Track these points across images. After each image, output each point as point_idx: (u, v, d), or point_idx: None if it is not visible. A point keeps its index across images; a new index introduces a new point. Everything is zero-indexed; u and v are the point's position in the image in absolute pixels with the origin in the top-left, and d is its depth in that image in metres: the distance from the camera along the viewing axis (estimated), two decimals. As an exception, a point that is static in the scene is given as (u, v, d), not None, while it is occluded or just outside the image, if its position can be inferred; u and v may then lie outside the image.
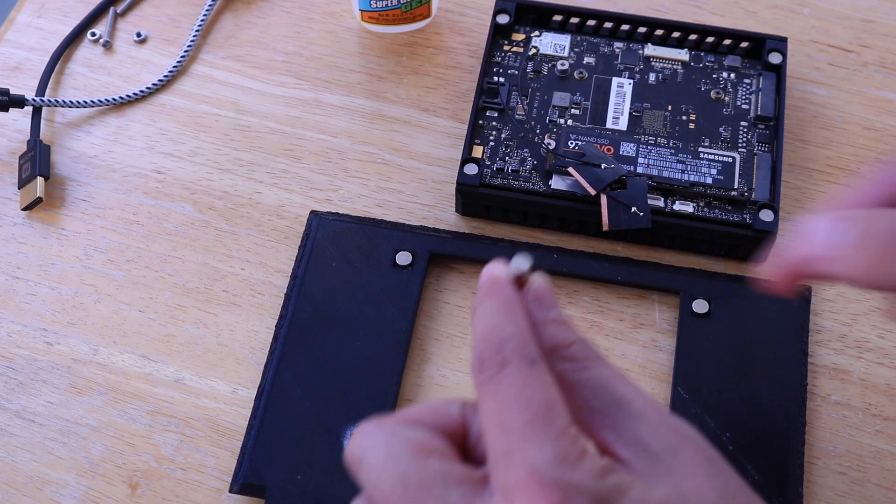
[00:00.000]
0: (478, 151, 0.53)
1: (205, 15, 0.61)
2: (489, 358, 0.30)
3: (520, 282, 0.33)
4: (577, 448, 0.29)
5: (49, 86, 0.59)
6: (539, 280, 0.33)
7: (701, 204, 0.52)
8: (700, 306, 0.50)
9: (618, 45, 0.57)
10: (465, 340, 0.51)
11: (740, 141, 0.54)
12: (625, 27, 0.58)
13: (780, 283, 0.37)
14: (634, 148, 0.53)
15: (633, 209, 0.51)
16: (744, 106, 0.55)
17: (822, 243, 0.35)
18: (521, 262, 0.33)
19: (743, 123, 0.55)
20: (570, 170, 0.52)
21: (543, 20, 0.58)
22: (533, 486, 0.28)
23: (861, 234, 0.34)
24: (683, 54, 0.57)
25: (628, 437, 0.30)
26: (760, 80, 0.56)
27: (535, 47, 0.57)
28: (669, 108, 0.55)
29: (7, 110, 0.56)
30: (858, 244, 0.34)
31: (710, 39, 0.57)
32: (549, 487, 0.27)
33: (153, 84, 0.59)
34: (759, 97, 0.55)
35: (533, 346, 0.31)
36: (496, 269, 0.33)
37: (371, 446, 0.31)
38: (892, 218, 0.34)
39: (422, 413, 0.32)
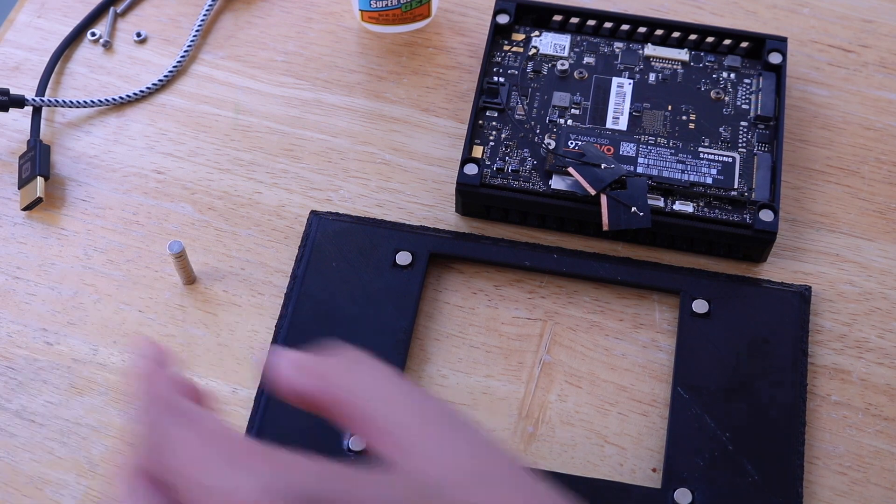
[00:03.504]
0: (478, 151, 0.53)
1: (205, 15, 0.61)
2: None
3: None
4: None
5: (49, 86, 0.59)
6: None
7: (701, 204, 0.52)
8: (700, 306, 0.50)
9: (618, 45, 0.57)
10: (465, 340, 0.51)
11: (740, 141, 0.54)
12: (625, 27, 0.58)
13: None
14: (634, 148, 0.53)
15: (633, 209, 0.51)
16: (744, 106, 0.55)
17: None
18: (172, 246, 0.46)
19: (743, 123, 0.55)
20: (570, 170, 0.52)
21: (543, 20, 0.58)
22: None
23: None
24: (683, 54, 0.57)
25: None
26: (760, 80, 0.56)
27: (535, 47, 0.57)
28: (669, 108, 0.55)
29: (7, 110, 0.56)
30: None
31: (709, 39, 0.57)
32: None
33: (153, 84, 0.59)
34: (759, 97, 0.55)
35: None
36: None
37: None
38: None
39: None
